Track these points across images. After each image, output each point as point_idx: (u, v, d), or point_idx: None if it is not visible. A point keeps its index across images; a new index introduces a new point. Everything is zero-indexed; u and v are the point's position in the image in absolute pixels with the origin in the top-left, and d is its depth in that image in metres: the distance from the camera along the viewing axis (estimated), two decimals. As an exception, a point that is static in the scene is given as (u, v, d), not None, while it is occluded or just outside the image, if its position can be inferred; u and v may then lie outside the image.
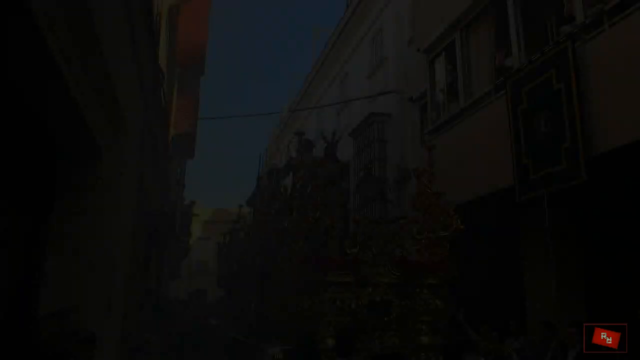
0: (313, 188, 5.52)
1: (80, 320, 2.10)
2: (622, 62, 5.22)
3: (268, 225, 6.75)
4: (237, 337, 5.80)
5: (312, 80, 19.87)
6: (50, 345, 1.74)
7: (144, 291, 7.11)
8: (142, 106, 4.22)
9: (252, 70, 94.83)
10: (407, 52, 11.72)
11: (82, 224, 2.39)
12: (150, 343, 3.14)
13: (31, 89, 1.81)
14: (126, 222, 3.70)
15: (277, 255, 5.52)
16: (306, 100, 20.80)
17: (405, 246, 5.77)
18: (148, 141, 4.87)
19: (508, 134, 6.66)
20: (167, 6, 6.04)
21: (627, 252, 6.84)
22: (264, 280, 5.67)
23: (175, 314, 6.65)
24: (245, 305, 6.30)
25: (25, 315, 2.15)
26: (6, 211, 1.96)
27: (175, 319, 5.98)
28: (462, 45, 8.41)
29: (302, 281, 5.25)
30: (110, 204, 2.67)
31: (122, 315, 3.69)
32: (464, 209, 6.86)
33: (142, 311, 6.81)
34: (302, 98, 21.29)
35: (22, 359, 2.01)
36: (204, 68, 9.53)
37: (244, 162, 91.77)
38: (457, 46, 8.50)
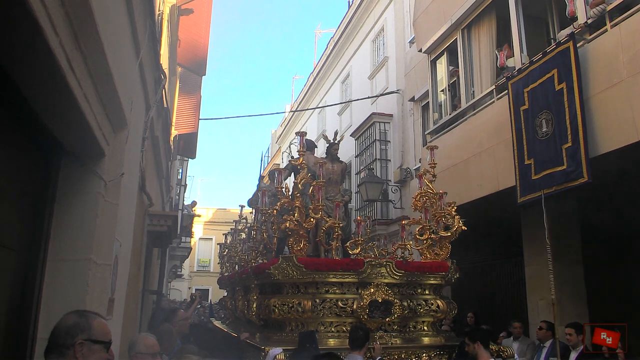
0: (314, 188, 5.51)
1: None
2: (623, 62, 5.21)
3: (269, 226, 6.74)
4: (239, 338, 5.79)
5: (314, 81, 19.89)
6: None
7: (146, 292, 7.11)
8: (144, 106, 4.22)
9: (254, 70, 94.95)
10: (409, 53, 11.72)
11: (83, 225, 2.38)
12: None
13: (32, 89, 1.80)
14: (128, 223, 3.70)
15: (279, 256, 5.50)
16: (308, 100, 20.81)
17: (407, 247, 5.76)
18: (149, 141, 4.87)
19: (510, 135, 6.65)
20: (169, 6, 6.04)
21: (628, 252, 6.83)
22: (265, 281, 5.67)
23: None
24: (246, 306, 6.29)
25: (25, 318, 2.15)
26: (5, 212, 1.95)
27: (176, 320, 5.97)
28: (464, 45, 8.40)
29: (304, 282, 5.24)
30: (111, 204, 2.67)
31: (123, 316, 3.69)
32: (466, 209, 6.85)
33: (143, 312, 6.81)
34: (304, 98, 21.31)
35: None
36: (206, 68, 9.52)
37: (246, 162, 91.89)
38: (458, 46, 8.49)
